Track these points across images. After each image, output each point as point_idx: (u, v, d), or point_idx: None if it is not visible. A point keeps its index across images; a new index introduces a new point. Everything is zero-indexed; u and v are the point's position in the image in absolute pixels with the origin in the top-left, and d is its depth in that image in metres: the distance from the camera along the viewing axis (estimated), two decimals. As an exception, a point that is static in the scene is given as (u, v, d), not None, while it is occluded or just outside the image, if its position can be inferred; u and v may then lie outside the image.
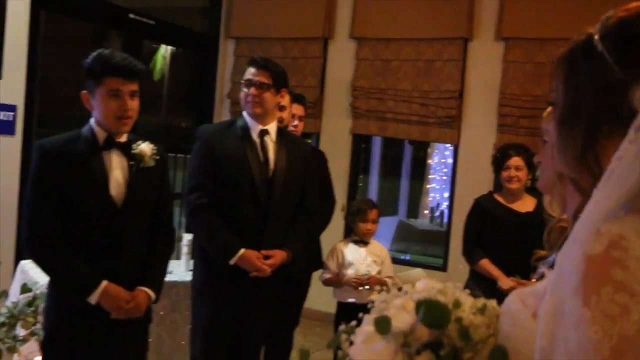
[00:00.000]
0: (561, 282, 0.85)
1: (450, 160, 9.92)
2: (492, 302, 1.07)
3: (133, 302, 2.58)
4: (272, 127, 3.28)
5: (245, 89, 3.21)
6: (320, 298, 4.04)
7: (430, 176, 10.12)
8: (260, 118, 3.22)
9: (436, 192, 10.17)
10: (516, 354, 0.94)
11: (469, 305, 1.04)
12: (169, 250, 2.85)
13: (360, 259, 4.04)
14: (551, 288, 0.87)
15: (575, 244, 0.85)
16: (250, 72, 3.22)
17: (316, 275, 4.12)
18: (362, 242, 4.10)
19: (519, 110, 5.59)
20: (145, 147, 2.65)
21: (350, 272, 3.99)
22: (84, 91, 2.61)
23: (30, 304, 3.30)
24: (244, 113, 3.27)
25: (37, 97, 5.10)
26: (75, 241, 2.55)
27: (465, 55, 5.84)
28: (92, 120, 2.63)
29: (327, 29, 6.33)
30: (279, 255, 3.18)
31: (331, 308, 4.18)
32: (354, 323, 1.09)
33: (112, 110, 2.53)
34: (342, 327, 1.10)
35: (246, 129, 3.23)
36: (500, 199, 3.98)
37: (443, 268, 6.05)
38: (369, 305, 1.08)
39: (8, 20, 3.96)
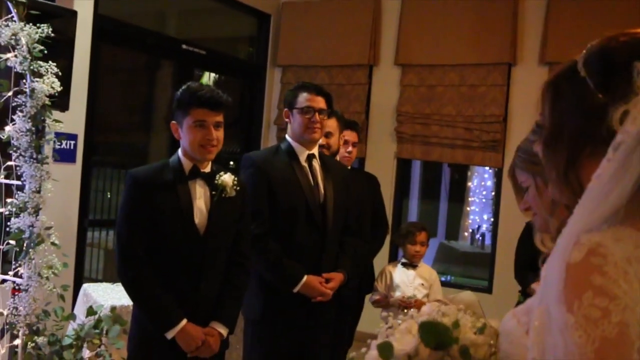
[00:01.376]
0: (547, 292, 0.90)
1: (489, 183, 10.04)
2: (493, 322, 1.12)
3: (206, 343, 2.68)
4: (316, 151, 3.36)
5: (304, 115, 3.24)
6: (371, 320, 4.12)
7: (470, 199, 10.15)
8: (314, 143, 3.31)
9: (475, 214, 10.20)
10: None
11: (469, 326, 1.10)
12: (245, 282, 2.91)
13: (407, 281, 4.11)
14: (539, 300, 0.92)
15: (557, 254, 0.90)
16: (307, 98, 3.26)
17: (368, 298, 4.21)
18: (411, 264, 4.17)
19: (564, 134, 5.61)
20: (227, 178, 2.75)
21: (397, 295, 4.07)
22: (173, 121, 2.76)
23: (96, 326, 3.45)
24: (288, 138, 3.31)
25: (96, 126, 5.34)
26: (160, 267, 2.67)
27: (510, 80, 5.92)
28: (179, 150, 2.77)
29: (372, 55, 6.47)
30: (338, 278, 3.25)
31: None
32: (363, 349, 1.14)
33: (198, 139, 2.66)
34: (352, 354, 1.15)
35: (293, 154, 3.27)
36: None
37: (488, 290, 6.07)
38: (376, 331, 1.12)
39: (75, 54, 4.19)
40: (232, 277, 2.84)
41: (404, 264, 4.18)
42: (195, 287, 2.71)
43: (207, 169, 2.77)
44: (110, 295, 3.97)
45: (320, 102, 3.29)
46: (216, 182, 2.75)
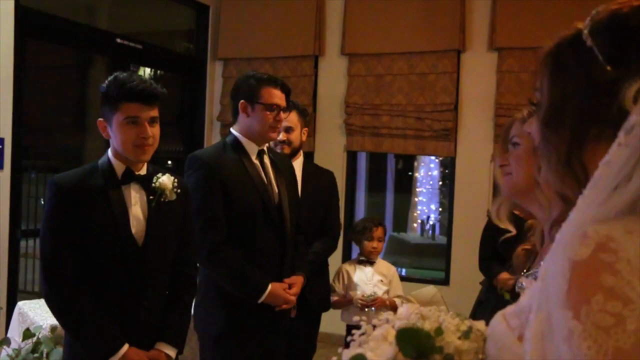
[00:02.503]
0: (547, 295, 0.78)
1: (435, 173, 10.03)
2: (479, 324, 0.99)
3: None
4: (265, 147, 3.10)
5: (270, 113, 2.96)
6: (330, 321, 3.93)
7: (417, 189, 10.10)
8: (268, 142, 3.08)
9: (423, 204, 10.16)
10: None
11: (452, 330, 0.96)
12: (192, 294, 2.65)
13: (366, 279, 3.94)
14: (536, 305, 0.81)
15: (559, 250, 0.78)
16: (277, 95, 2.99)
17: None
18: (368, 261, 4.00)
19: (516, 120, 5.53)
20: (166, 180, 2.45)
21: (356, 294, 3.88)
22: (100, 119, 2.43)
23: (34, 349, 3.13)
24: (235, 132, 3.02)
25: (24, 128, 4.95)
26: (93, 285, 2.36)
27: (459, 67, 5.80)
28: (109, 152, 2.45)
29: (317, 46, 6.26)
30: (299, 282, 3.04)
31: (342, 330, 4.07)
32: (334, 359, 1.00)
33: (131, 138, 2.34)
34: None
35: (242, 150, 2.99)
36: (517, 211, 3.88)
37: (445, 282, 5.95)
38: (348, 339, 1.00)
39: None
40: (177, 291, 2.55)
41: (360, 261, 4.00)
42: (136, 305, 2.40)
43: (143, 171, 2.45)
44: (48, 313, 3.62)
45: (284, 99, 3.03)
46: (154, 185, 2.44)
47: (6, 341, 3.22)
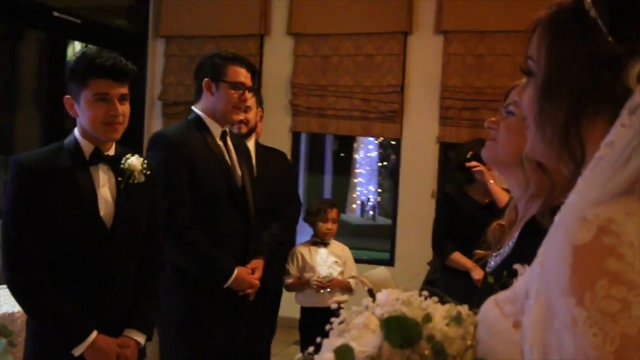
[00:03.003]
0: (546, 281, 0.75)
1: (374, 154, 10.12)
2: (465, 309, 0.95)
3: (122, 357, 2.32)
4: (227, 128, 3.03)
5: (234, 92, 2.88)
6: (284, 304, 3.89)
7: (356, 170, 10.16)
8: (230, 122, 3.01)
9: (362, 186, 10.25)
10: None
11: (440, 315, 0.93)
12: (161, 279, 2.56)
13: (320, 260, 3.92)
14: (535, 291, 0.78)
15: (559, 234, 0.75)
16: (242, 74, 2.91)
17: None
18: (322, 243, 3.98)
19: (461, 103, 5.62)
20: (135, 161, 2.36)
21: (311, 275, 3.86)
22: (67, 96, 2.32)
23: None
24: (198, 111, 2.92)
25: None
26: (60, 270, 2.26)
27: (406, 49, 5.82)
28: (75, 131, 2.34)
29: (263, 25, 6.16)
30: (260, 266, 2.99)
31: (295, 313, 4.04)
32: (311, 349, 0.97)
33: (100, 115, 2.25)
34: (299, 356, 0.97)
35: (206, 130, 2.90)
36: (470, 192, 3.93)
37: (390, 262, 6.00)
38: (327, 327, 0.95)
39: None
40: (146, 275, 2.47)
41: (315, 243, 3.97)
42: (105, 291, 2.31)
43: (111, 152, 2.36)
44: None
45: (249, 79, 2.96)
46: (122, 166, 2.35)
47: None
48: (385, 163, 10.06)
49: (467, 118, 5.61)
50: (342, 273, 3.92)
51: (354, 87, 5.90)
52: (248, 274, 2.90)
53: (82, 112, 2.29)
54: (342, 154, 10.27)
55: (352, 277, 3.95)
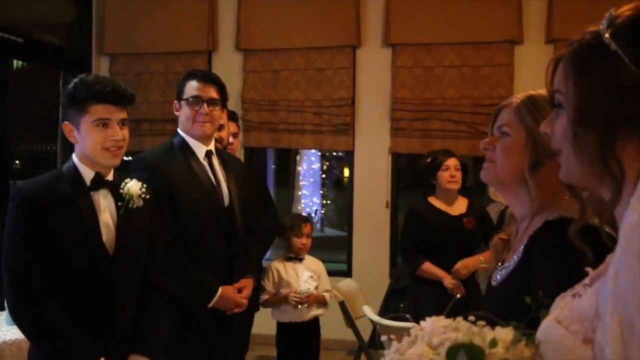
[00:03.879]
0: (622, 301, 0.80)
1: (316, 166, 10.18)
2: (511, 330, 0.99)
3: None
4: (213, 147, 3.02)
5: (190, 107, 2.90)
6: (258, 320, 3.87)
7: (300, 183, 10.18)
8: (208, 139, 2.96)
9: (306, 197, 10.27)
10: None
11: (500, 339, 0.97)
12: (162, 303, 2.54)
13: (297, 276, 3.92)
14: (610, 310, 0.82)
15: (630, 257, 0.80)
16: (195, 87, 2.91)
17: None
18: (297, 258, 3.99)
19: (412, 114, 5.75)
20: (134, 185, 2.36)
21: (288, 291, 3.86)
22: (66, 122, 2.31)
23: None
24: (181, 132, 2.96)
25: None
26: (63, 297, 2.23)
27: (355, 62, 5.91)
28: (74, 157, 2.33)
29: (210, 41, 6.12)
30: (249, 285, 2.98)
31: (270, 330, 4.03)
32: None
33: (100, 140, 2.26)
34: None
35: (189, 151, 2.92)
36: (434, 202, 4.03)
37: (348, 274, 6.06)
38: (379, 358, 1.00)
39: None
40: (147, 299, 2.46)
41: (289, 258, 3.98)
42: (108, 317, 2.30)
43: (110, 177, 2.36)
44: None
45: (210, 92, 2.93)
46: (121, 191, 2.34)
47: None
48: (328, 174, 10.13)
49: (418, 129, 5.74)
50: (317, 287, 3.94)
51: (305, 101, 5.95)
52: (234, 293, 2.89)
53: (82, 138, 2.28)
54: (288, 167, 10.26)
55: (327, 290, 3.98)
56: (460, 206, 4.00)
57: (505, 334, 0.94)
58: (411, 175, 6.84)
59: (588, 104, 0.95)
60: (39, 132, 7.77)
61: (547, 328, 0.94)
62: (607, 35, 0.94)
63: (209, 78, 2.98)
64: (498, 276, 1.56)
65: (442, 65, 5.67)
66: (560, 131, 1.01)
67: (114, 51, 6.29)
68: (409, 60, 5.76)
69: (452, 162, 3.91)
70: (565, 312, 0.94)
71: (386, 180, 5.88)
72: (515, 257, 1.50)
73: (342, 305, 4.18)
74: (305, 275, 3.93)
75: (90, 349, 2.23)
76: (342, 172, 10.16)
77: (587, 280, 0.98)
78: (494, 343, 0.92)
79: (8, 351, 3.20)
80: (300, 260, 3.99)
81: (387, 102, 5.84)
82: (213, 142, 3.04)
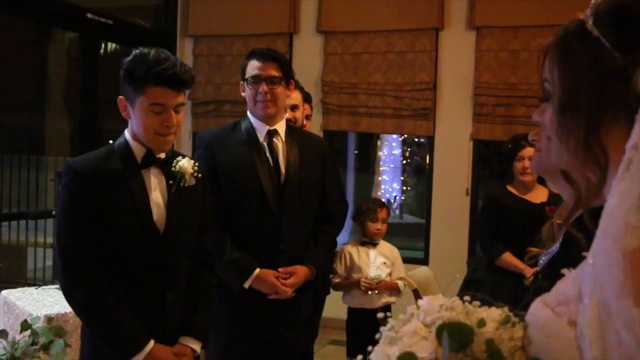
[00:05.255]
0: (600, 284, 0.80)
1: (397, 152, 10.06)
2: (506, 310, 0.99)
3: None
4: (280, 127, 2.95)
5: (251, 87, 2.87)
6: (329, 304, 3.85)
7: (381, 168, 10.10)
8: (271, 118, 2.91)
9: (386, 183, 10.18)
10: None
11: (492, 319, 0.96)
12: (213, 284, 2.50)
13: (369, 261, 3.88)
14: (589, 292, 0.82)
15: (607, 240, 0.80)
16: (255, 66, 2.86)
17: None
18: (371, 243, 3.94)
19: (495, 99, 5.57)
20: (186, 163, 2.30)
21: (359, 276, 3.83)
22: (120, 97, 2.24)
23: (33, 342, 2.95)
24: (248, 113, 2.94)
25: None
26: (114, 276, 2.22)
27: (438, 46, 5.77)
28: (127, 133, 2.28)
29: (292, 23, 6.12)
30: (300, 273, 2.89)
31: (342, 314, 4.01)
32: (359, 358, 0.97)
33: (154, 125, 2.19)
34: None
35: (251, 132, 2.89)
36: (513, 190, 3.90)
37: (425, 262, 5.96)
38: (377, 337, 0.97)
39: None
40: (198, 281, 2.41)
41: (363, 243, 3.94)
42: (160, 298, 2.26)
43: (162, 155, 2.31)
44: (40, 302, 3.44)
45: (270, 70, 2.86)
46: (173, 169, 2.28)
47: (3, 334, 3.02)
48: (409, 160, 10.02)
49: (502, 115, 5.56)
50: (390, 274, 3.88)
51: (385, 84, 5.86)
52: (272, 277, 2.83)
53: (135, 118, 2.22)
54: (369, 151, 10.21)
55: (400, 278, 3.91)
56: (540, 194, 3.84)
57: (498, 314, 0.94)
58: (495, 164, 6.66)
59: (572, 91, 0.96)
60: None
61: (535, 310, 0.94)
62: (590, 21, 0.95)
63: (268, 56, 2.90)
64: (541, 261, 1.56)
65: (528, 49, 5.45)
66: (548, 120, 1.03)
67: (197, 33, 6.39)
68: (494, 44, 5.57)
69: (527, 152, 3.73)
70: (551, 294, 0.94)
71: (467, 167, 5.73)
72: (558, 243, 1.50)
73: (416, 292, 4.11)
74: (378, 261, 3.88)
75: (140, 330, 2.21)
76: (423, 159, 10.01)
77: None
78: (481, 323, 0.91)
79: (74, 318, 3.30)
80: (374, 245, 3.94)
81: (470, 86, 5.67)
82: (282, 121, 2.98)
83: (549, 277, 1.42)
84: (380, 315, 1.00)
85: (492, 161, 7.36)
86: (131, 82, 2.18)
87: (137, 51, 2.23)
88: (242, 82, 2.95)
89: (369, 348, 0.98)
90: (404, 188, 9.92)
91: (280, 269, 2.85)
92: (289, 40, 6.19)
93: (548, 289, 0.99)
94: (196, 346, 2.34)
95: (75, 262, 2.18)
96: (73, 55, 6.01)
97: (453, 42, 5.75)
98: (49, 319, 3.17)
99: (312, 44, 6.10)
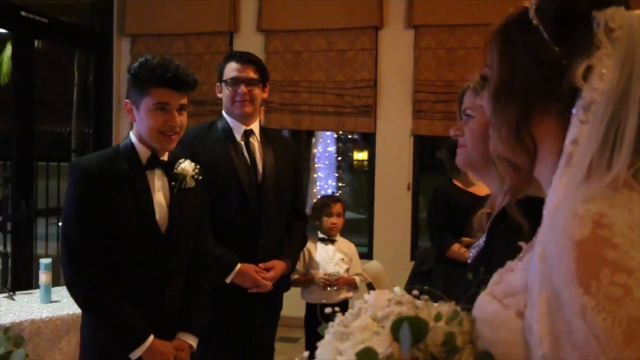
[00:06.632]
0: (549, 276, 0.82)
1: (331, 149, 10.16)
2: (452, 305, 1.00)
3: None
4: (255, 127, 3.07)
5: (230, 87, 2.97)
6: (286, 301, 3.88)
7: (316, 165, 10.17)
8: (247, 118, 3.01)
9: (321, 180, 10.26)
10: (505, 357, 0.89)
11: (443, 314, 0.97)
12: (209, 282, 2.59)
13: (327, 257, 3.95)
14: (538, 285, 0.84)
15: (556, 232, 0.82)
16: (234, 68, 2.98)
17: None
18: (329, 239, 4.01)
19: (434, 96, 5.73)
20: (187, 166, 2.43)
21: (318, 272, 3.88)
22: (127, 100, 2.37)
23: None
24: (224, 113, 3.04)
25: None
26: (116, 272, 2.29)
27: (377, 44, 5.89)
28: (132, 135, 2.39)
29: (232, 22, 6.11)
30: (279, 267, 3.00)
31: (298, 311, 4.05)
32: (306, 354, 0.98)
33: (158, 124, 2.30)
34: (306, 354, 0.98)
35: (228, 131, 3.00)
36: (459, 184, 4.03)
37: (369, 256, 6.08)
38: (323, 330, 0.98)
39: None
40: (195, 278, 2.51)
41: (321, 240, 4.00)
42: (159, 294, 2.35)
43: (165, 157, 2.42)
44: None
45: (248, 72, 2.99)
46: (175, 171, 2.41)
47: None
48: (343, 157, 10.14)
49: (441, 111, 5.73)
50: (347, 270, 3.96)
51: (326, 82, 5.94)
52: (253, 271, 2.92)
53: (140, 119, 2.33)
54: (304, 149, 10.27)
55: (358, 274, 3.99)
56: (484, 187, 3.96)
57: (447, 309, 0.95)
58: (433, 158, 6.83)
59: (507, 78, 0.97)
60: (54, 114, 7.80)
61: (482, 303, 0.95)
62: (532, 10, 0.95)
63: (247, 59, 3.03)
64: (471, 253, 1.60)
65: (465, 47, 5.64)
66: (486, 104, 1.03)
67: (135, 32, 6.28)
68: (432, 42, 5.74)
69: None
70: (499, 286, 0.95)
71: (408, 162, 5.88)
72: (483, 236, 1.54)
73: (370, 286, 4.20)
74: (336, 257, 3.95)
75: (141, 324, 2.29)
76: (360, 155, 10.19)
77: (521, 254, 1.00)
78: (438, 316, 0.92)
79: (44, 328, 3.24)
80: (333, 242, 4.01)
81: (410, 84, 5.82)
82: (256, 122, 3.08)
83: (474, 269, 1.52)
84: (328, 310, 1.00)
85: (428, 155, 7.55)
86: (137, 85, 2.31)
87: (143, 58, 2.36)
88: (218, 83, 3.05)
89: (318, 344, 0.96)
90: (339, 184, 10.04)
91: (260, 264, 2.94)
92: (229, 39, 6.17)
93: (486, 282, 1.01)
94: (193, 341, 2.44)
95: (81, 256, 2.25)
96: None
97: (392, 41, 5.88)
98: (5, 329, 3.08)
99: (253, 43, 6.09)
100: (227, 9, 6.08)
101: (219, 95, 3.06)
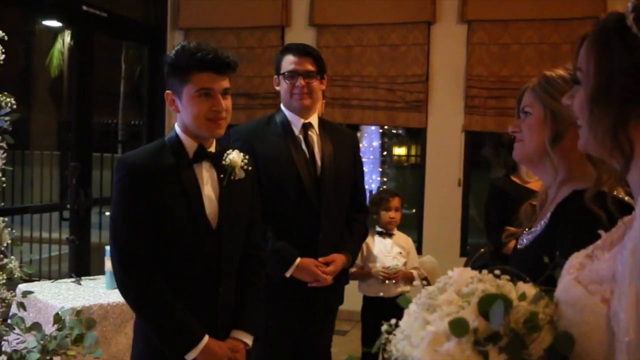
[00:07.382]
0: (639, 270, 0.84)
1: (376, 144, 10.15)
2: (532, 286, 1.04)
3: None
4: (314, 120, 3.03)
5: (287, 80, 2.94)
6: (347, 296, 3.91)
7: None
8: (305, 111, 2.98)
9: (366, 175, 10.23)
10: (586, 339, 0.93)
11: (526, 293, 1.01)
12: (263, 277, 2.48)
13: (385, 251, 3.96)
14: (629, 276, 0.87)
15: None
16: (291, 61, 2.94)
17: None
18: (387, 233, 4.03)
19: (487, 92, 5.70)
20: (236, 157, 2.29)
21: (376, 266, 3.91)
22: (167, 91, 2.25)
23: (68, 335, 2.94)
24: (282, 107, 3.02)
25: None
26: (168, 271, 2.21)
27: (430, 39, 5.88)
28: (177, 127, 2.28)
29: (284, 16, 6.15)
30: (339, 261, 2.96)
31: (347, 304, 4.06)
32: (394, 321, 1.04)
33: (203, 110, 2.18)
34: (384, 327, 1.04)
35: (287, 125, 2.97)
36: (517, 180, 4.01)
37: (418, 251, 6.03)
38: (403, 301, 1.04)
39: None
40: (248, 274, 2.41)
41: (379, 233, 4.02)
42: (212, 292, 2.26)
43: (213, 149, 2.31)
44: (61, 296, 3.41)
45: (306, 64, 2.95)
46: (224, 162, 2.28)
47: (37, 327, 3.01)
48: (387, 152, 10.11)
49: (493, 107, 5.69)
50: (405, 264, 3.97)
51: (378, 77, 5.95)
52: (313, 265, 2.89)
53: (184, 108, 2.22)
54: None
55: (415, 268, 4.01)
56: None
57: (527, 289, 0.99)
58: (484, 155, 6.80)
59: (605, 83, 1.01)
60: (101, 105, 7.92)
61: (567, 287, 0.99)
62: (630, 17, 0.98)
63: (304, 51, 2.98)
64: (525, 240, 1.66)
65: (519, 42, 5.60)
66: (579, 106, 1.07)
67: (188, 26, 6.37)
68: (485, 37, 5.70)
69: None
70: (584, 272, 0.99)
71: (459, 158, 5.86)
72: (542, 222, 1.61)
73: (426, 279, 4.21)
74: (394, 250, 3.96)
75: (196, 324, 2.21)
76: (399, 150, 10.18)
77: (599, 242, 1.04)
78: (523, 296, 0.96)
79: (112, 313, 3.31)
80: (390, 235, 4.02)
81: (462, 79, 5.80)
82: (315, 114, 3.05)
83: (531, 254, 1.57)
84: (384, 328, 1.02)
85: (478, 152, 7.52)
86: (176, 73, 2.20)
87: (178, 46, 2.25)
88: (276, 76, 3.02)
89: (384, 328, 1.02)
90: (384, 179, 10.03)
91: (320, 258, 2.91)
92: (281, 33, 6.22)
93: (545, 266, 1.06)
94: (248, 340, 2.34)
95: (130, 256, 2.18)
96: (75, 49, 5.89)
97: (445, 36, 5.86)
98: (77, 312, 3.16)
99: (305, 37, 6.10)
100: (279, 4, 6.13)
101: (277, 88, 3.02)
